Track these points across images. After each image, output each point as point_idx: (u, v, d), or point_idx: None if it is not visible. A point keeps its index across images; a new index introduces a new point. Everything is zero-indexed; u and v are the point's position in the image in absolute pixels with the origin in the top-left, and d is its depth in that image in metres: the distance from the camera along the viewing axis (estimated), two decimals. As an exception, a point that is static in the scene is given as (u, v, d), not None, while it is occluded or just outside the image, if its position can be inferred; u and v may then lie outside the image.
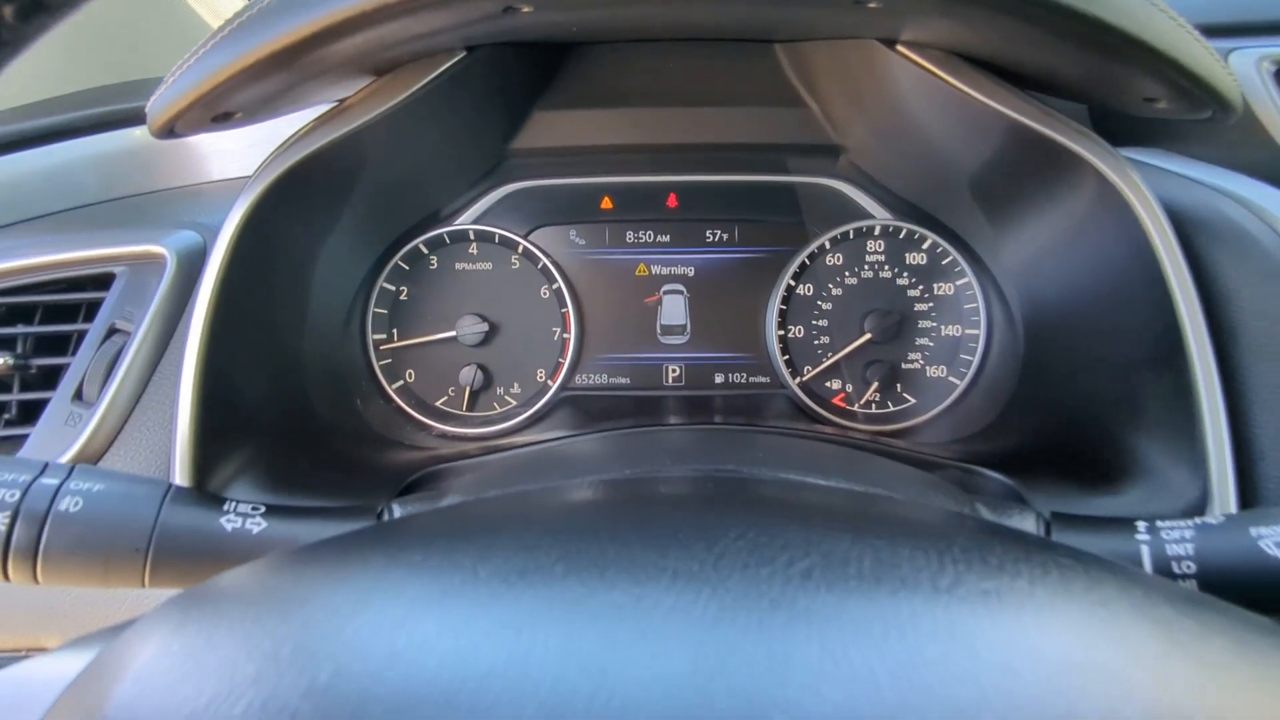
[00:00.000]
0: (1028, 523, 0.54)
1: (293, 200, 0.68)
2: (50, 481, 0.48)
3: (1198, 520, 0.48)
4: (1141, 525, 0.49)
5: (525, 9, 0.55)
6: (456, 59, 0.67)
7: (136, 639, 0.27)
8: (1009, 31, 0.56)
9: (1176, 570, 0.47)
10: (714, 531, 0.29)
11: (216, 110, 0.58)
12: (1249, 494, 0.59)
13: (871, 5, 0.55)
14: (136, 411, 0.66)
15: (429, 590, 0.26)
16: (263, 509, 0.53)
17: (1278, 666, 0.23)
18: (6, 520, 0.45)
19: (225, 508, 0.52)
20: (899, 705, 0.19)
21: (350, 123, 0.65)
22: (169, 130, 0.59)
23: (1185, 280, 0.61)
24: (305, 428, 0.77)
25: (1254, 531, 0.46)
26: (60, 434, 0.65)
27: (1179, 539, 0.47)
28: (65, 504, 0.47)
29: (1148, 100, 0.60)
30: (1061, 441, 0.73)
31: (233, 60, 0.52)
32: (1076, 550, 0.31)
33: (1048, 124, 0.64)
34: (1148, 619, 0.25)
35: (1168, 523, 0.48)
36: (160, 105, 0.56)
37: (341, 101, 0.68)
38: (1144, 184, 0.62)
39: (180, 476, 0.62)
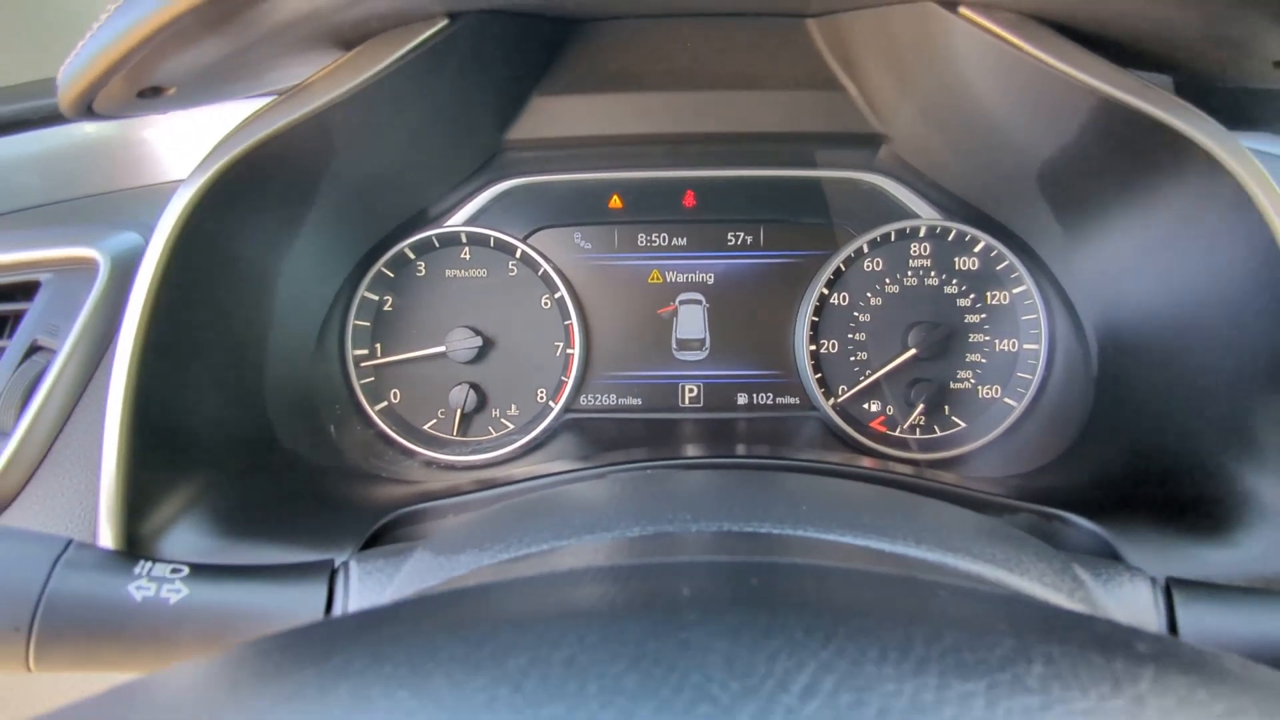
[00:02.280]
0: (1140, 592, 0.43)
1: (245, 194, 0.57)
2: None
3: None
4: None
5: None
6: (437, 27, 0.57)
7: None
8: None
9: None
10: (748, 666, 0.19)
11: (142, 83, 0.48)
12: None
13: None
14: (58, 443, 0.56)
15: None
16: (185, 571, 0.42)
17: None
18: None
19: (137, 570, 0.42)
20: None
21: (310, 102, 0.55)
22: (86, 107, 0.48)
23: None
24: (263, 460, 0.66)
25: None
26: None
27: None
28: None
29: (1278, 64, 0.49)
30: (1153, 479, 0.62)
31: (151, 12, 0.42)
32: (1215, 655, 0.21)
33: (1149, 99, 0.53)
34: None
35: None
36: (72, 72, 0.46)
37: (303, 81, 0.57)
38: (1268, 173, 0.51)
39: (106, 520, 0.51)
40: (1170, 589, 0.43)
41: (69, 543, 0.42)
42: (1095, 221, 0.67)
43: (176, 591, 0.41)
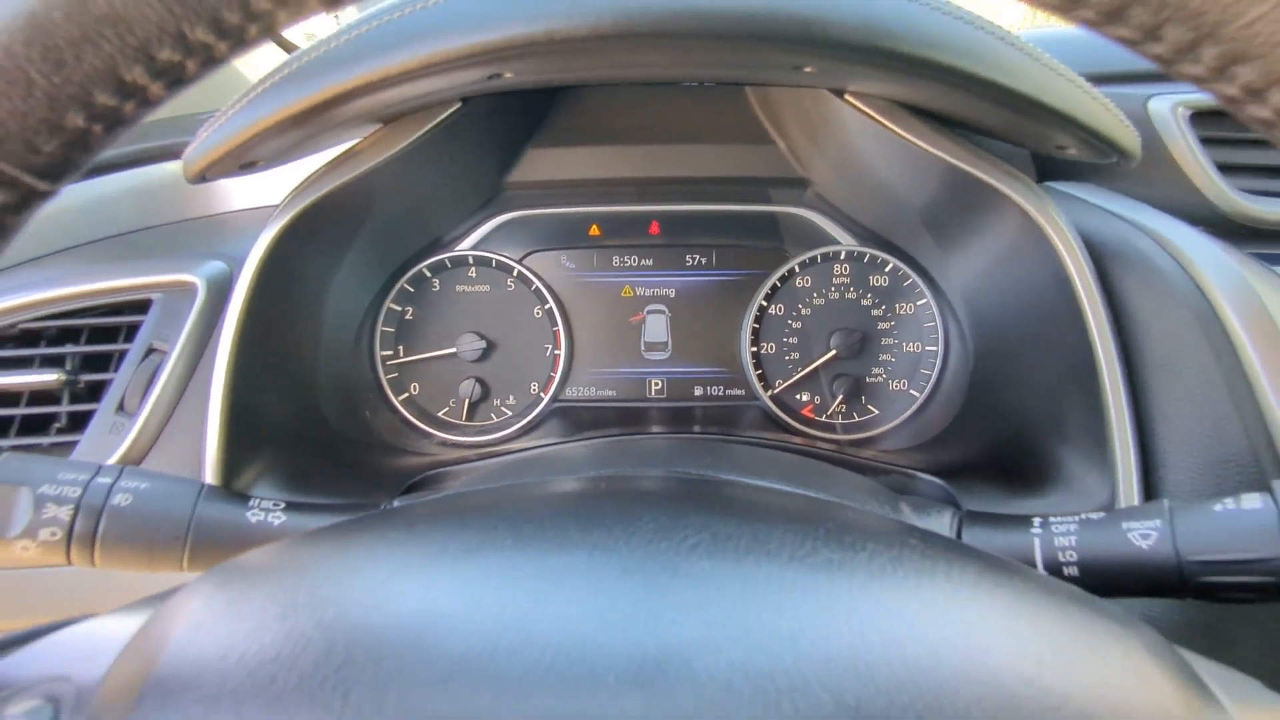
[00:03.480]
0: (944, 520, 0.62)
1: (308, 235, 0.77)
2: (104, 480, 0.56)
3: (1081, 516, 0.56)
4: (1036, 521, 0.57)
5: (509, 75, 0.64)
6: (453, 109, 0.76)
7: (185, 598, 0.35)
8: (932, 91, 0.64)
9: (1061, 559, 0.54)
10: (633, 516, 0.37)
11: (242, 160, 0.67)
12: (1151, 496, 0.66)
13: (807, 70, 0.64)
14: (172, 421, 0.75)
15: (408, 560, 0.34)
16: (283, 505, 0.61)
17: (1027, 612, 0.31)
18: (70, 513, 0.54)
19: (250, 504, 0.61)
20: (734, 637, 0.27)
21: (359, 167, 0.74)
22: (201, 177, 0.68)
23: (1098, 306, 0.68)
24: (319, 436, 0.86)
25: (1125, 525, 0.53)
26: (105, 441, 0.74)
27: (1064, 533, 0.55)
28: (118, 499, 0.56)
29: (1059, 147, 0.68)
30: (999, 450, 0.81)
31: (258, 120, 0.61)
32: (932, 535, 0.39)
33: (977, 165, 0.72)
34: (951, 582, 0.32)
35: (1057, 518, 0.56)
36: (194, 157, 0.65)
37: (351, 147, 0.76)
38: (1061, 217, 0.70)
39: (211, 477, 0.71)
40: (963, 518, 0.62)
41: (204, 485, 0.61)
42: (960, 250, 0.86)
43: (279, 518, 0.60)
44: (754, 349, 0.98)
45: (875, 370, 0.99)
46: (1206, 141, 0.73)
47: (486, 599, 0.29)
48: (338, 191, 0.74)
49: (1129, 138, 0.64)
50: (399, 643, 0.27)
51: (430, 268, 0.98)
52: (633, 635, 0.27)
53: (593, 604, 0.29)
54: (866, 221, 0.96)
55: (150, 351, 0.77)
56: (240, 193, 1.03)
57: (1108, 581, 0.54)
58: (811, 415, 0.99)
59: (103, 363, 0.78)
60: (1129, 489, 0.66)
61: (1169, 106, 0.74)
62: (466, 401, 0.98)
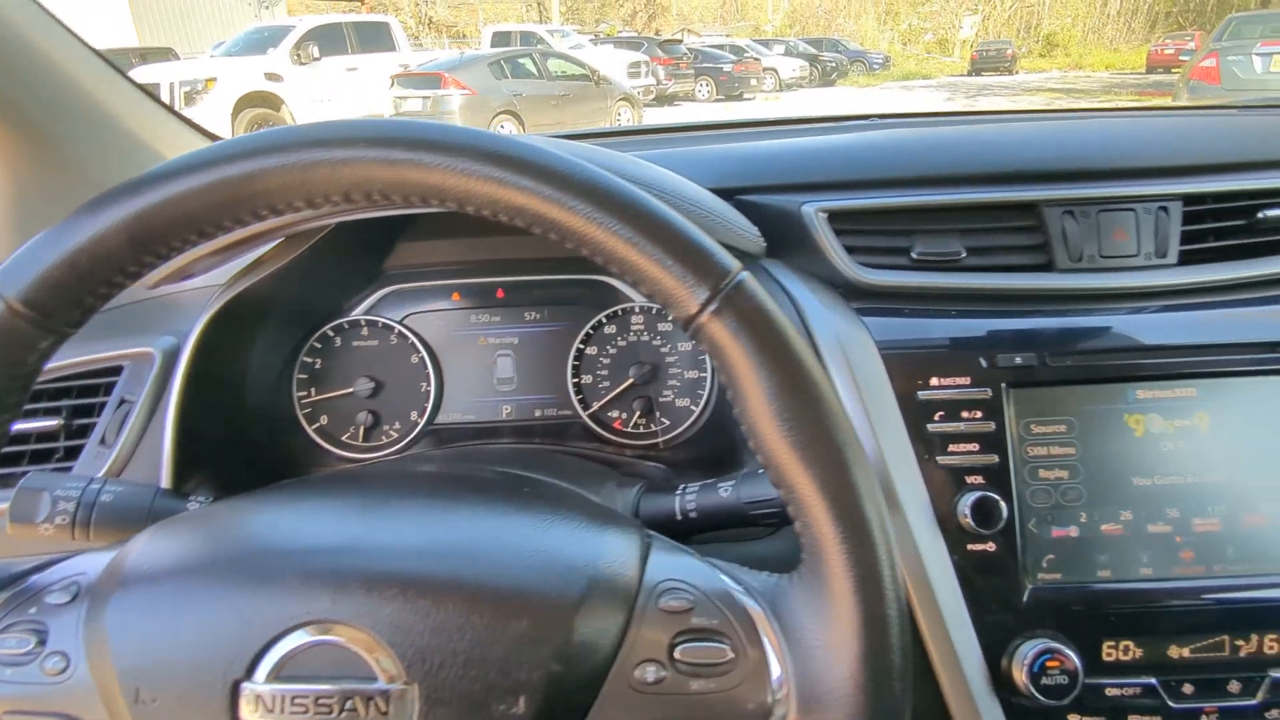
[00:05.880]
0: (629, 494, 0.96)
1: (232, 319, 1.11)
2: (95, 486, 0.89)
3: (703, 483, 0.91)
4: (680, 487, 0.92)
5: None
6: (329, 228, 1.10)
7: (146, 535, 0.68)
8: None
9: (688, 508, 0.90)
10: (402, 487, 0.72)
11: (184, 275, 1.01)
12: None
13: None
14: (138, 449, 1.08)
15: (282, 500, 0.69)
16: (213, 497, 0.95)
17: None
18: (73, 507, 0.87)
19: (189, 500, 0.94)
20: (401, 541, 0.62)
21: (264, 272, 1.08)
22: (156, 286, 1.02)
23: None
24: (246, 456, 1.19)
25: (719, 485, 0.89)
26: (93, 464, 1.07)
27: (691, 493, 0.90)
28: (104, 498, 0.89)
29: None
30: (720, 446, 1.17)
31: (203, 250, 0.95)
32: (511, 475, 0.75)
33: None
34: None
35: (691, 485, 0.91)
36: (152, 276, 0.99)
37: (259, 257, 1.11)
38: None
39: (165, 484, 1.04)
40: (644, 489, 0.97)
41: (159, 489, 0.94)
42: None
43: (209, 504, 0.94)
44: (575, 380, 1.33)
45: (665, 392, 1.34)
46: (838, 232, 1.10)
47: (325, 529, 0.64)
48: (249, 290, 1.08)
49: (748, 244, 1.01)
50: (269, 542, 0.62)
51: (332, 329, 1.32)
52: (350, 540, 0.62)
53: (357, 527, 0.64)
54: None
55: (122, 402, 1.10)
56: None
57: (713, 521, 0.90)
58: (620, 427, 1.34)
59: (88, 411, 1.11)
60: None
61: (813, 210, 1.11)
62: (362, 429, 1.32)
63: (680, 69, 24.15)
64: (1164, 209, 1.08)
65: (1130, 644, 0.94)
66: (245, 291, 1.08)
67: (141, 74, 14.97)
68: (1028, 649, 0.91)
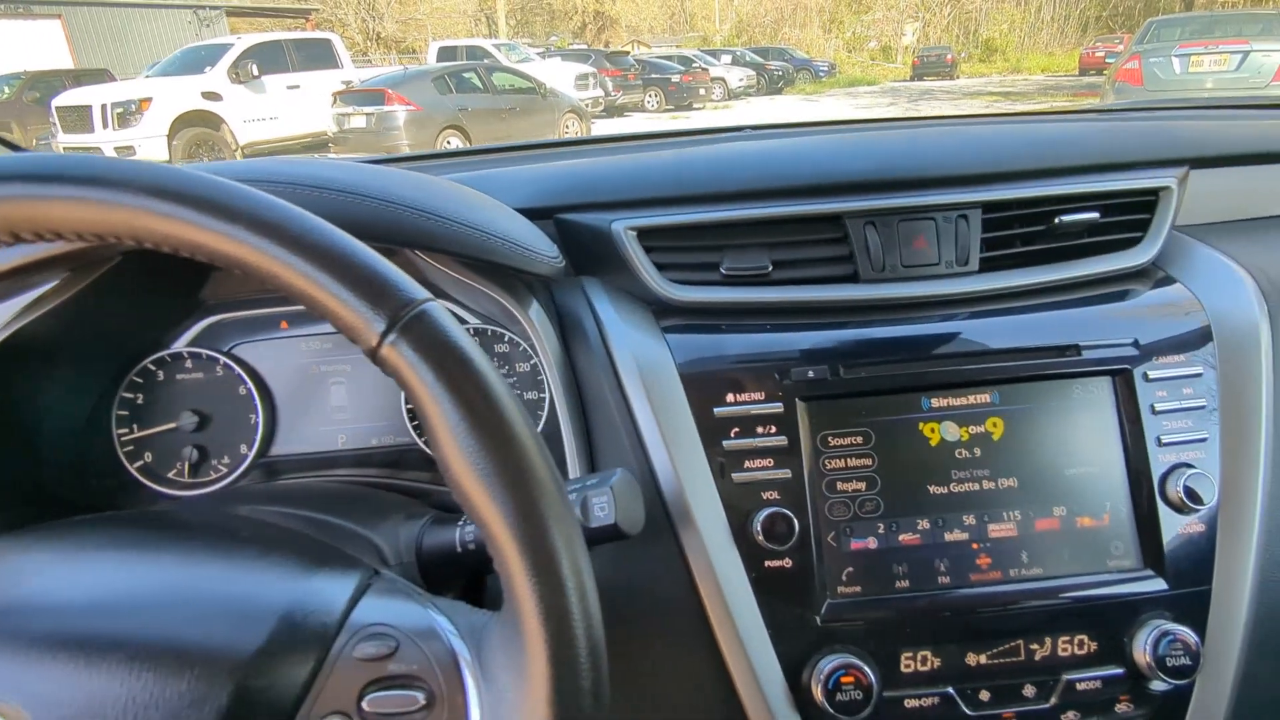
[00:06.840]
0: (414, 528, 0.94)
1: (15, 356, 1.06)
2: None
3: None
4: (462, 518, 0.90)
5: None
6: (115, 261, 1.06)
7: None
8: None
9: (467, 539, 0.87)
10: (119, 536, 0.69)
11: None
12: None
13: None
14: None
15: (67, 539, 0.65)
16: None
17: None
18: None
19: None
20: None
21: (38, 311, 1.03)
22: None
23: (552, 363, 1.03)
24: (49, 503, 1.14)
25: None
26: None
27: (470, 525, 0.88)
28: None
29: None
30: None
31: None
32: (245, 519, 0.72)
33: (505, 285, 1.07)
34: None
35: None
36: None
37: (44, 293, 1.06)
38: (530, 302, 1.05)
39: None
40: (434, 518, 0.95)
41: None
42: (542, 325, 1.21)
43: None
44: (408, 406, 1.30)
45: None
46: (649, 249, 1.09)
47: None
48: (27, 331, 1.03)
49: (540, 266, 1.00)
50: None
51: (154, 363, 1.28)
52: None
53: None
54: (482, 310, 1.30)
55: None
56: None
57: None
58: (459, 452, 1.31)
59: None
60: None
61: (622, 228, 1.09)
62: (187, 464, 1.27)
63: (628, 80, 24.34)
64: (964, 217, 1.09)
65: (928, 654, 0.94)
66: (22, 333, 1.03)
67: (72, 96, 14.61)
68: (825, 665, 0.91)
